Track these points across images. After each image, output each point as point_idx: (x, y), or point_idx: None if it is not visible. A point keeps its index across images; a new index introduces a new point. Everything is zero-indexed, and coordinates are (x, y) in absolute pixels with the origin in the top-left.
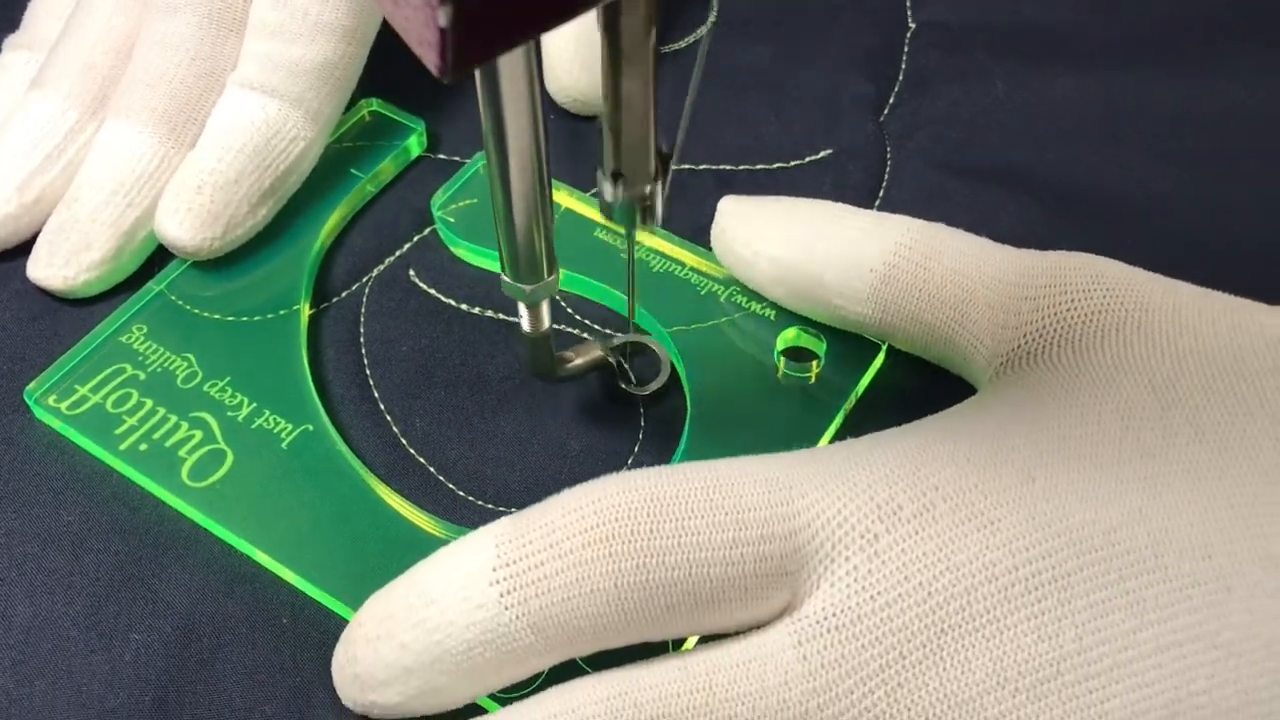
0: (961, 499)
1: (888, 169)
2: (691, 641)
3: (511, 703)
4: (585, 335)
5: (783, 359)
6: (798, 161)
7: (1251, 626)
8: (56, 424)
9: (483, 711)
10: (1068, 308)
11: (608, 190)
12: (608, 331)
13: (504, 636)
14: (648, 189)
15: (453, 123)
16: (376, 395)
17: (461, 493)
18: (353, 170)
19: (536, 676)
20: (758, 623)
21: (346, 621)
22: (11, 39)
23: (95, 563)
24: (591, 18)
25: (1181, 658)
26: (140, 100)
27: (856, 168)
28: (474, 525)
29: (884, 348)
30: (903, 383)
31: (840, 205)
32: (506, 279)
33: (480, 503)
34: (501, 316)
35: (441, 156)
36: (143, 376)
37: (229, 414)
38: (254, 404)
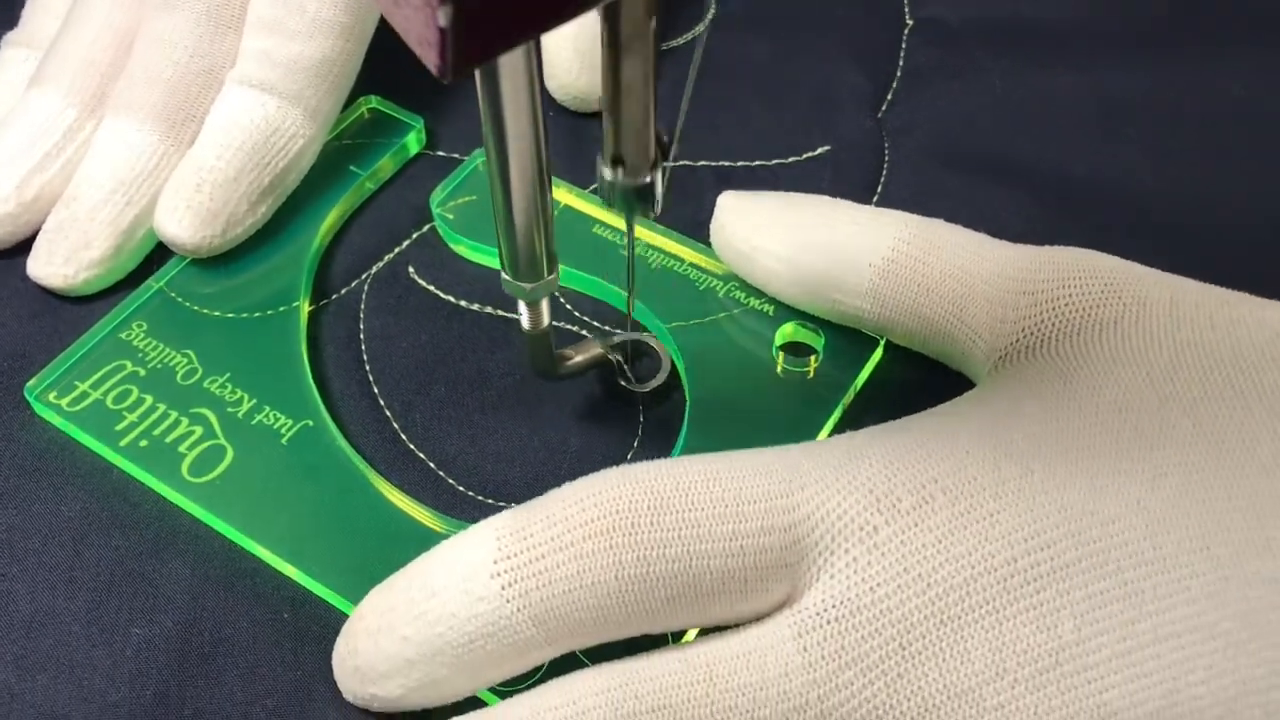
0: (960, 491)
1: (886, 165)
2: (692, 634)
3: (512, 696)
4: (584, 332)
5: (781, 354)
6: (796, 157)
7: (1249, 616)
8: (57, 420)
9: (483, 704)
10: (1065, 302)
11: (607, 175)
12: (607, 328)
13: (505, 629)
14: (647, 177)
15: (451, 120)
16: (376, 391)
17: (461, 488)
18: (352, 167)
19: (537, 670)
20: (758, 615)
21: (347, 616)
22: (10, 36)
23: (96, 558)
24: (591, 14)
25: (1180, 648)
26: (139, 98)
27: (855, 164)
28: (474, 520)
29: (882, 343)
30: (901, 377)
31: (839, 201)
32: (507, 277)
33: (480, 497)
34: (500, 313)
35: (440, 153)
36: (143, 373)
37: (229, 410)
38: (254, 400)
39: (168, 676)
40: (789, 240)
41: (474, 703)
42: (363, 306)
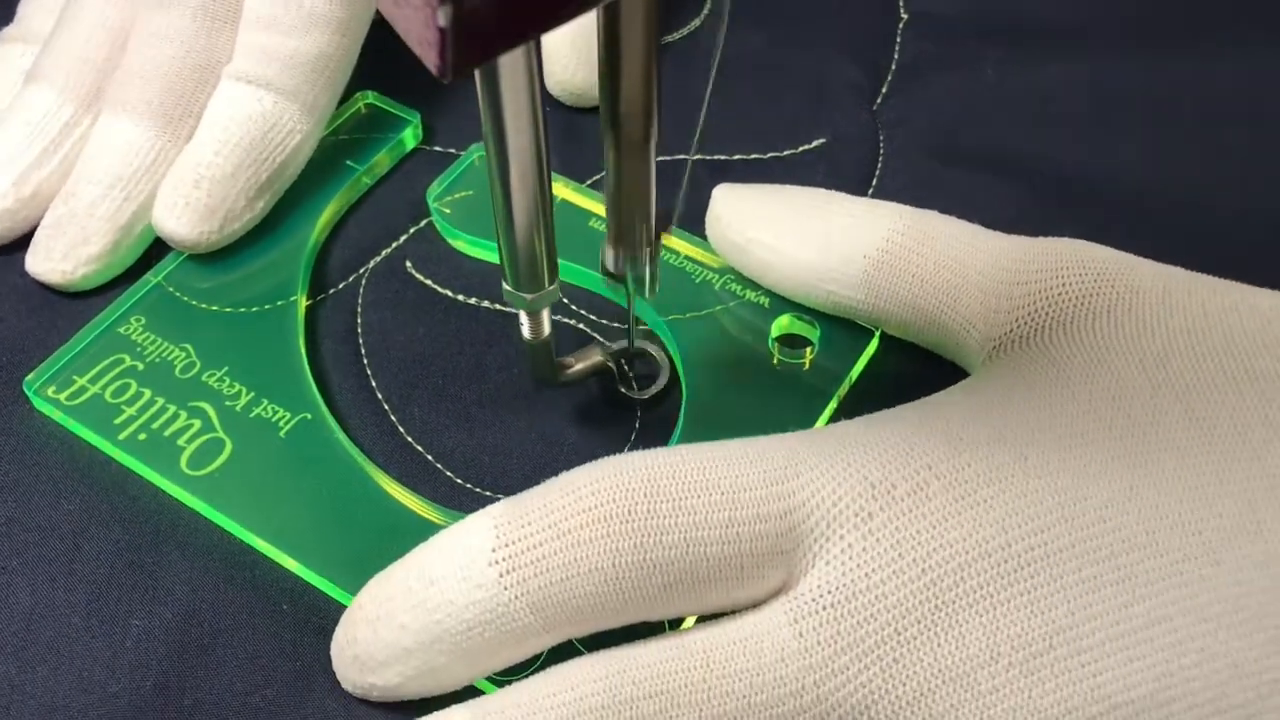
0: (955, 478)
1: (880, 157)
2: (689, 622)
3: (509, 685)
4: (580, 325)
5: (777, 346)
6: (791, 150)
7: (1240, 599)
8: (56, 414)
9: (481, 693)
10: (1059, 292)
11: (610, 260)
12: (604, 321)
13: (503, 616)
14: (643, 257)
15: (448, 115)
16: (374, 384)
17: (459, 480)
18: (349, 162)
19: (535, 659)
20: (754, 602)
21: (345, 607)
22: (5, 32)
23: (96, 550)
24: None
25: (1172, 631)
26: (136, 93)
27: (849, 156)
28: (471, 511)
29: (877, 334)
30: (896, 368)
31: (833, 193)
32: (508, 287)
33: (477, 490)
34: (498, 307)
35: (437, 148)
36: (141, 367)
37: (227, 403)
38: (252, 393)
39: (167, 668)
40: (784, 232)
41: (472, 692)
42: (360, 301)
